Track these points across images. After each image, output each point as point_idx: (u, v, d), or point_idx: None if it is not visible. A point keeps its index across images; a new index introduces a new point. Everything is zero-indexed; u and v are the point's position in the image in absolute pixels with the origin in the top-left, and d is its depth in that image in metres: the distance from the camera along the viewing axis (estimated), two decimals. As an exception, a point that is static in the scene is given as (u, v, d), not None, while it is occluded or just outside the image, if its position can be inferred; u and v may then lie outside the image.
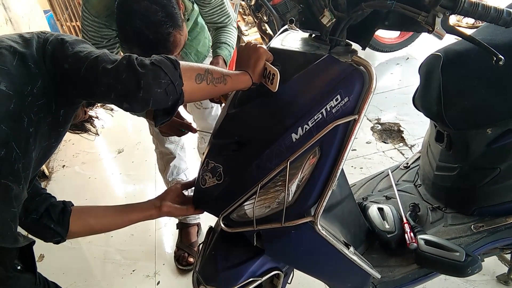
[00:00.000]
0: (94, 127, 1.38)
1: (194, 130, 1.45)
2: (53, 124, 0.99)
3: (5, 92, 0.86)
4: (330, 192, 0.98)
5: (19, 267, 0.97)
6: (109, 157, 3.28)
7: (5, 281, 0.93)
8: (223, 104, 1.34)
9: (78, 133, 1.38)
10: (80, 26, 1.60)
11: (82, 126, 1.35)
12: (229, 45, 1.72)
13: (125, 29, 1.27)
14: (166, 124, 1.42)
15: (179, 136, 1.49)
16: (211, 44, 1.85)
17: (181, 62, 0.95)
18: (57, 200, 1.13)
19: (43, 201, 1.08)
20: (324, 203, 0.98)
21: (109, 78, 0.88)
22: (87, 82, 0.92)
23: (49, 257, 2.32)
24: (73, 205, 1.14)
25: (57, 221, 1.08)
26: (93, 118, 1.36)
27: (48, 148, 1.03)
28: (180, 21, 1.28)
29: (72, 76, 0.93)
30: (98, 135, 1.44)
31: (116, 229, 1.18)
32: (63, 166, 3.23)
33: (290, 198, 1.00)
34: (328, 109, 0.94)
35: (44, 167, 3.02)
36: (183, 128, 1.46)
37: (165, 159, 2.09)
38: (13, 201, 0.89)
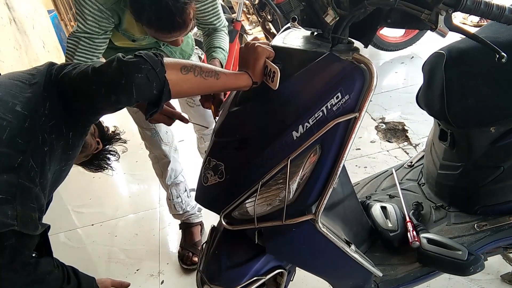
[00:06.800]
0: (109, 161, 1.58)
1: (186, 121, 1.42)
2: (64, 148, 1.07)
3: (21, 112, 0.98)
4: (330, 190, 0.97)
5: (34, 254, 1.02)
6: (113, 157, 3.28)
7: (26, 266, 0.98)
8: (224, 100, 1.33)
9: (95, 171, 1.56)
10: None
11: (97, 163, 1.54)
12: (223, 50, 1.71)
13: None
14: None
15: (168, 124, 1.44)
16: (194, 44, 1.95)
17: (169, 58, 1.00)
18: None
19: None
20: (325, 201, 0.98)
21: (98, 75, 0.97)
22: (82, 86, 1.01)
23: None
24: None
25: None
26: (108, 153, 1.44)
27: (59, 172, 1.10)
28: None
29: (71, 89, 1.04)
30: (114, 170, 1.59)
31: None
32: (68, 165, 3.24)
33: (291, 196, 1.00)
34: (329, 107, 0.94)
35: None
36: (175, 117, 1.41)
37: (161, 163, 2.08)
38: (33, 199, 0.95)
